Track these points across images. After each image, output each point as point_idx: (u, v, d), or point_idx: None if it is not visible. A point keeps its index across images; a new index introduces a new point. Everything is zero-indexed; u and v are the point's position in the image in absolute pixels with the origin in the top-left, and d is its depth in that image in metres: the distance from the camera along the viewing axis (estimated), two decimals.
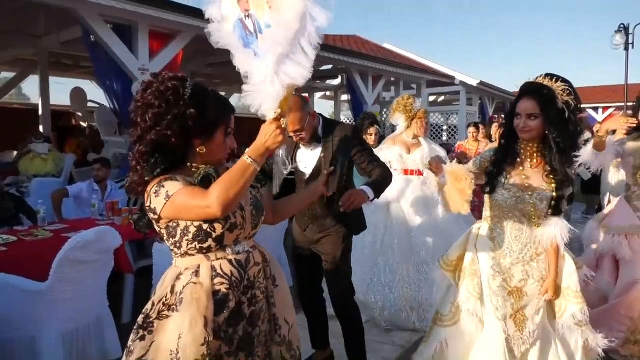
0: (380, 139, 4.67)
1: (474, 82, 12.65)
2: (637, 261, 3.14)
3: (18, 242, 3.22)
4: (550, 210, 2.21)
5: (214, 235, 1.52)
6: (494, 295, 2.24)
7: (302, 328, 2.43)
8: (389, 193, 3.50)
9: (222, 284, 1.53)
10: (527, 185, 2.23)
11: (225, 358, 1.53)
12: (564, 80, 2.13)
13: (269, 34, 1.46)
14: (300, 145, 2.70)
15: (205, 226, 1.51)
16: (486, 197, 2.36)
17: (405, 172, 3.88)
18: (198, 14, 6.19)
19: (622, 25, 11.76)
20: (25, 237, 3.33)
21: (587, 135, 4.00)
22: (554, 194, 2.18)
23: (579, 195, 7.81)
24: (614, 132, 5.17)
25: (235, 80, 11.80)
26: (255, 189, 1.71)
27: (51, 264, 2.77)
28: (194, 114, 1.50)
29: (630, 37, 11.86)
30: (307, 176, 2.66)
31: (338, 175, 2.62)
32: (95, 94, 12.58)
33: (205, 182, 1.49)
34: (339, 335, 2.81)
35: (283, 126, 1.46)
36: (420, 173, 3.90)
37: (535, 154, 2.23)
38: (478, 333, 2.28)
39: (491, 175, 2.29)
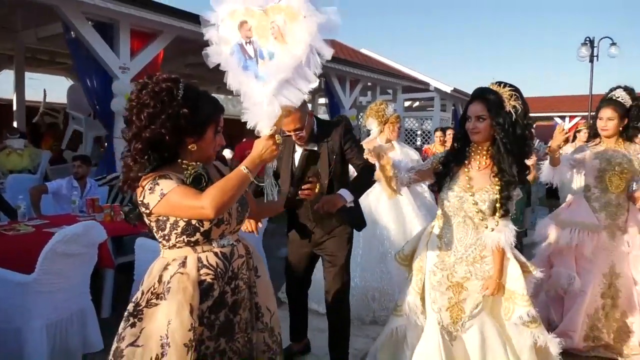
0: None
1: (448, 89, 13.01)
2: (596, 258, 3.30)
3: (0, 236, 3.26)
4: (496, 212, 2.25)
5: (201, 229, 1.61)
6: (432, 289, 2.38)
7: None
8: None
9: (208, 274, 1.63)
10: (470, 185, 2.31)
11: (206, 342, 1.63)
12: (512, 87, 2.25)
13: (275, 61, 1.58)
14: (297, 147, 2.75)
15: (194, 221, 1.60)
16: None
17: None
18: (180, 14, 6.28)
19: (587, 39, 12.32)
20: (7, 231, 3.37)
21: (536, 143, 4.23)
22: (498, 195, 2.24)
23: (544, 200, 8.17)
24: (573, 139, 5.48)
25: (212, 81, 11.90)
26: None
27: (34, 257, 2.84)
28: (186, 113, 1.59)
29: (595, 49, 12.43)
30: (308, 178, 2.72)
31: (335, 173, 2.70)
32: (56, 89, 12.38)
33: (197, 182, 1.59)
34: (314, 328, 2.97)
35: (278, 142, 1.60)
36: None
37: (484, 156, 2.33)
38: (420, 325, 2.43)
39: (438, 175, 2.41)
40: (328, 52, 1.55)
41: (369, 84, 11.76)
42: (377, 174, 2.31)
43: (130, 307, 1.62)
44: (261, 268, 1.84)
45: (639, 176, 3.29)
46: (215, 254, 1.67)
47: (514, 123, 2.20)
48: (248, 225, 2.09)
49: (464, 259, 2.35)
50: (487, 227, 2.30)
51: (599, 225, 3.29)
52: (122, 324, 1.62)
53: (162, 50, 6.78)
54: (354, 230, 2.94)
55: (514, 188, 2.25)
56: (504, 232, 2.24)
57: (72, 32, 5.92)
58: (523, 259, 2.41)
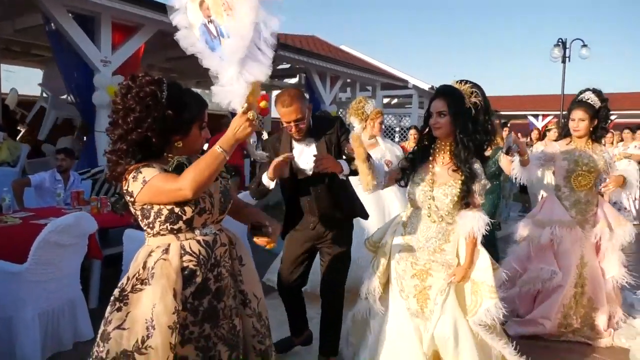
0: None
1: (425, 87, 13.24)
2: (572, 251, 3.44)
3: None
4: (460, 204, 2.33)
5: (184, 217, 1.67)
6: (399, 278, 2.44)
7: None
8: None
9: (190, 261, 1.69)
10: (433, 180, 2.39)
11: (190, 327, 1.68)
12: (473, 84, 2.34)
13: (228, 43, 1.61)
14: (294, 143, 2.73)
15: (176, 209, 1.66)
16: None
17: None
18: (161, 8, 6.25)
19: (560, 40, 12.71)
20: None
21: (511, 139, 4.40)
22: (459, 188, 2.31)
23: (518, 196, 8.46)
24: (543, 137, 5.71)
25: (191, 75, 11.84)
26: (225, 179, 1.87)
27: (23, 248, 2.88)
28: (171, 115, 1.65)
29: (567, 51, 12.83)
30: (309, 172, 2.68)
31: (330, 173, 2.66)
32: (33, 82, 12.20)
33: (179, 170, 1.64)
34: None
35: (250, 118, 1.59)
36: None
37: (447, 152, 2.39)
38: (380, 311, 2.49)
39: (404, 170, 2.49)
40: (276, 23, 1.58)
41: (349, 80, 11.89)
42: (356, 166, 2.39)
43: (116, 292, 1.68)
44: (245, 256, 1.90)
45: (604, 175, 3.44)
46: (198, 241, 1.72)
47: (474, 118, 2.28)
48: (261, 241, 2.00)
49: (425, 248, 2.41)
50: (449, 222, 2.36)
51: (574, 222, 3.44)
52: (108, 309, 1.67)
53: (144, 44, 6.77)
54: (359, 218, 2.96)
55: (472, 182, 2.30)
56: (477, 222, 2.30)
57: (52, 24, 5.86)
58: (489, 256, 2.43)
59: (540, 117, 20.97)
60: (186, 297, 1.67)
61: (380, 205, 4.21)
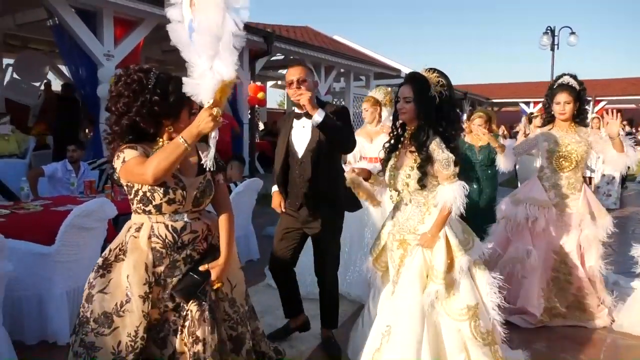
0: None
1: None
2: (548, 233, 3.47)
3: (12, 214, 3.49)
4: (419, 185, 2.37)
5: (153, 202, 1.82)
6: (389, 250, 2.55)
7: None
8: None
9: (157, 243, 1.84)
10: (397, 164, 2.48)
11: (165, 301, 1.86)
12: (440, 73, 2.39)
13: (196, 38, 1.68)
14: (294, 124, 2.85)
15: (147, 194, 1.81)
16: None
17: (370, 159, 4.11)
18: (160, 2, 6.43)
19: (549, 28, 12.98)
20: (17, 210, 3.61)
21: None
22: (416, 170, 2.36)
23: (513, 181, 8.78)
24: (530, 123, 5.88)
25: (184, 68, 12.08)
26: (216, 173, 1.97)
27: (47, 232, 3.14)
28: (157, 100, 1.79)
29: (556, 38, 13.11)
30: (300, 155, 2.81)
31: (322, 153, 2.76)
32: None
33: (220, 164, 1.81)
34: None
35: (214, 114, 1.67)
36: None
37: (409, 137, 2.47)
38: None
39: (384, 162, 2.59)
40: (240, 24, 1.66)
41: (342, 70, 12.08)
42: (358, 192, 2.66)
43: (99, 260, 1.88)
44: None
45: (584, 160, 3.46)
46: (166, 226, 1.85)
47: (437, 106, 2.36)
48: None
49: (404, 229, 2.48)
50: (419, 203, 2.43)
51: (549, 202, 3.48)
52: (92, 274, 1.86)
53: (143, 38, 6.94)
54: (348, 211, 3.02)
55: (430, 164, 2.34)
56: (453, 193, 2.30)
57: (56, 19, 6.02)
58: (455, 242, 2.38)
59: (531, 104, 21.29)
60: (159, 274, 1.84)
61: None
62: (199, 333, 1.81)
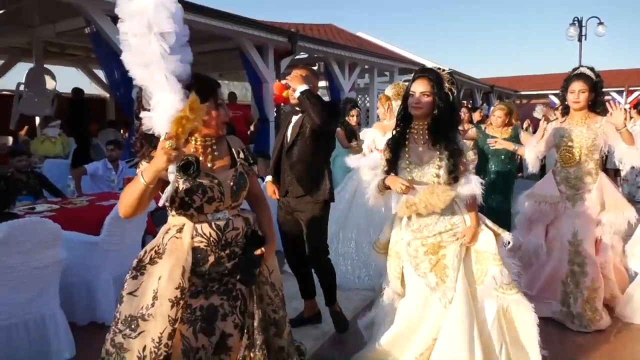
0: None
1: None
2: (559, 227, 3.50)
3: (62, 209, 3.83)
4: (448, 179, 2.38)
5: (194, 205, 1.81)
6: (412, 258, 2.44)
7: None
8: (367, 163, 4.20)
9: (202, 242, 1.83)
10: (418, 161, 2.42)
11: (208, 286, 1.87)
12: (449, 72, 2.45)
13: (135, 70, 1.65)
14: (293, 118, 3.13)
15: (186, 199, 1.79)
16: None
17: (381, 151, 4.39)
18: (190, 7, 6.74)
19: (575, 19, 12.77)
20: (66, 205, 3.95)
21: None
22: (445, 164, 2.37)
23: (537, 176, 8.76)
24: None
25: (214, 68, 12.38)
26: (249, 166, 2.02)
27: (93, 225, 3.45)
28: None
29: (584, 29, 12.88)
30: (288, 142, 3.09)
31: (300, 144, 3.02)
32: (80, 80, 12.91)
33: (185, 168, 1.70)
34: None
35: (166, 147, 1.57)
36: None
37: (424, 132, 2.44)
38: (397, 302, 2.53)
39: (390, 162, 2.50)
40: (169, 40, 1.63)
41: (366, 67, 12.20)
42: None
43: (134, 262, 1.85)
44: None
45: (595, 152, 3.40)
46: (210, 224, 1.84)
47: (450, 103, 2.39)
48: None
49: (437, 231, 2.43)
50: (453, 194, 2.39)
51: (559, 197, 3.50)
52: (127, 275, 1.85)
53: None
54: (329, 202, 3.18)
55: (460, 157, 2.39)
56: (473, 185, 2.38)
57: (93, 27, 6.40)
58: (490, 222, 2.50)
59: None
60: (203, 272, 1.83)
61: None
62: (250, 308, 1.91)
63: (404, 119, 2.50)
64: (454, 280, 2.37)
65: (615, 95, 19.44)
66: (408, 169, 2.44)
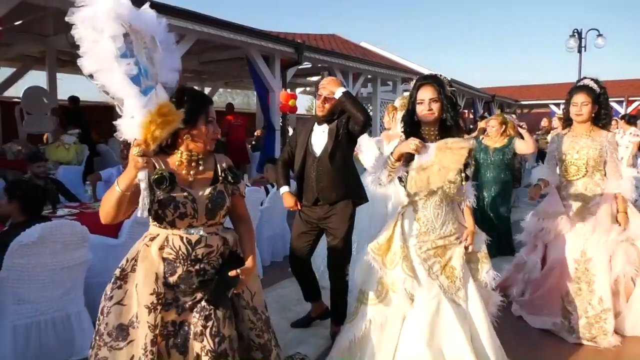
0: None
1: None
2: (562, 243, 3.40)
3: (81, 214, 4.01)
4: (462, 179, 2.45)
5: (166, 219, 1.82)
6: (424, 261, 2.46)
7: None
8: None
9: (170, 254, 1.83)
10: (430, 165, 2.40)
11: (180, 300, 1.86)
12: (450, 82, 2.53)
13: (150, 80, 1.70)
14: (315, 127, 3.18)
15: (159, 211, 1.80)
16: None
17: None
18: (200, 19, 6.97)
19: (575, 31, 13.01)
20: (85, 209, 4.13)
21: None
22: (459, 169, 2.40)
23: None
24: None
25: (220, 77, 12.65)
26: (232, 185, 1.97)
27: (111, 228, 3.62)
28: None
29: (583, 41, 13.12)
30: (318, 155, 3.12)
31: (338, 151, 3.07)
32: (89, 87, 13.09)
33: (158, 182, 1.75)
34: None
35: (134, 154, 1.58)
36: None
37: (435, 137, 2.48)
38: (408, 307, 2.42)
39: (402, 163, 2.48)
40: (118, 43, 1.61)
41: (369, 76, 12.43)
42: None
43: (117, 271, 1.88)
44: (245, 256, 1.99)
45: (601, 164, 3.32)
46: (181, 238, 1.84)
47: (455, 105, 2.49)
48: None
49: (442, 234, 2.50)
50: (454, 199, 2.53)
51: (562, 212, 3.41)
52: (109, 286, 1.86)
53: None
54: (356, 206, 3.23)
55: (471, 157, 2.48)
56: (470, 191, 2.56)
57: None
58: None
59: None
60: (174, 282, 1.83)
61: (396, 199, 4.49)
62: (224, 331, 1.84)
63: (411, 126, 2.54)
64: (462, 280, 2.46)
65: (615, 105, 19.73)
66: (419, 175, 2.42)
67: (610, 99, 3.49)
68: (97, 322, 1.85)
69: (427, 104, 2.43)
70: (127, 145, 5.73)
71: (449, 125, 2.47)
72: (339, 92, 2.97)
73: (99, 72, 1.60)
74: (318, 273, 3.75)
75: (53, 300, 2.88)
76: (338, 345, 2.63)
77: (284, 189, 3.29)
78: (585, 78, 3.52)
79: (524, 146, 4.97)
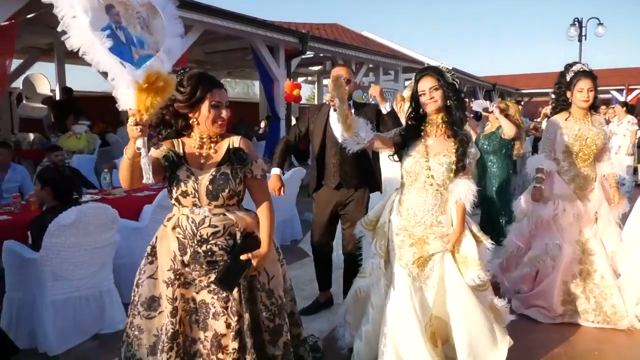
0: None
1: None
2: (573, 226, 3.42)
3: (103, 199, 4.21)
4: (457, 168, 2.42)
5: (172, 196, 1.94)
6: (398, 248, 2.51)
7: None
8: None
9: (180, 233, 1.93)
10: (427, 151, 2.46)
11: (197, 280, 1.96)
12: (446, 67, 2.53)
13: (146, 50, 1.72)
14: (331, 113, 3.20)
15: (168, 187, 1.95)
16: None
17: None
18: (207, 10, 7.11)
19: (576, 19, 13.11)
20: (106, 196, 4.34)
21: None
22: (454, 155, 2.42)
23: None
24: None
25: (223, 66, 12.77)
26: (240, 167, 1.96)
27: (132, 212, 3.84)
28: (175, 95, 1.85)
29: (584, 29, 13.21)
30: (340, 139, 3.02)
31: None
32: (96, 78, 13.28)
33: (165, 159, 1.90)
34: None
35: (129, 123, 1.66)
36: None
37: (439, 125, 2.49)
38: (382, 286, 2.57)
39: (397, 145, 2.56)
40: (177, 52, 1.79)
41: (371, 65, 12.55)
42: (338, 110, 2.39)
43: (148, 248, 2.04)
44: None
45: (604, 149, 3.40)
46: (187, 217, 1.92)
47: (458, 92, 2.48)
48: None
49: (422, 222, 2.48)
50: (443, 193, 2.46)
51: (575, 195, 3.41)
52: (142, 261, 2.02)
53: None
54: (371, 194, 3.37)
55: (468, 145, 2.46)
56: (467, 189, 2.42)
57: None
58: (475, 228, 2.54)
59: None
60: (187, 261, 1.93)
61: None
62: (240, 310, 1.92)
63: (417, 119, 2.56)
64: (434, 271, 2.47)
65: (615, 93, 19.84)
66: (413, 158, 2.49)
67: (610, 87, 3.64)
68: (132, 294, 2.00)
69: (428, 93, 2.45)
70: None
71: (454, 113, 2.45)
72: (387, 108, 3.19)
73: (83, 48, 1.61)
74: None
75: (86, 278, 3.10)
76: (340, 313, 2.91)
77: (275, 170, 3.33)
78: (577, 63, 3.54)
79: (507, 129, 4.99)
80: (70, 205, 2.98)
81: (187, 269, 1.94)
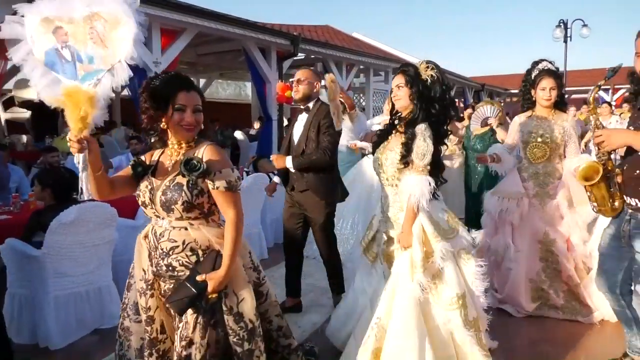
0: None
1: None
2: (526, 225, 3.42)
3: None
4: (401, 163, 2.39)
5: (139, 205, 1.92)
6: (377, 246, 2.61)
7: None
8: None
9: (148, 244, 1.92)
10: (384, 147, 2.53)
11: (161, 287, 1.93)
12: (429, 61, 2.47)
13: (95, 64, 1.76)
14: (299, 117, 3.34)
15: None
16: None
17: None
18: (200, 13, 7.21)
19: (561, 21, 13.38)
20: None
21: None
22: (399, 151, 2.40)
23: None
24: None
25: (215, 68, 12.87)
26: (196, 179, 1.80)
27: (128, 211, 3.93)
28: (143, 100, 1.84)
29: (569, 31, 13.49)
30: (295, 143, 3.28)
31: (309, 146, 3.19)
32: None
33: (133, 168, 1.89)
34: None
35: (68, 138, 1.69)
36: None
37: (402, 124, 2.53)
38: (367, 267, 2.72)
39: (374, 145, 2.66)
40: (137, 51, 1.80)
41: (362, 67, 12.71)
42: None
43: (135, 253, 2.04)
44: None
45: (561, 147, 3.35)
46: (152, 228, 1.91)
47: (429, 87, 2.42)
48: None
49: (388, 218, 2.54)
50: (396, 186, 2.45)
51: (523, 193, 3.41)
52: (132, 264, 2.06)
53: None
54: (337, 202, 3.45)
55: (413, 141, 2.36)
56: (419, 186, 2.31)
57: None
58: (430, 230, 2.36)
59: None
60: (154, 272, 1.91)
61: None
62: (193, 336, 1.79)
63: (394, 115, 2.63)
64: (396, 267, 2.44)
65: (601, 93, 20.14)
66: (378, 155, 2.56)
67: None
68: (124, 295, 2.04)
69: (395, 91, 2.51)
70: (134, 136, 6.02)
71: (422, 111, 2.41)
72: (289, 165, 3.21)
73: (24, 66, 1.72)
74: (344, 256, 3.95)
75: (86, 274, 3.21)
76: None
77: (275, 178, 3.67)
78: (543, 60, 3.52)
79: (502, 136, 4.95)
80: (70, 204, 3.08)
81: (160, 279, 1.91)
